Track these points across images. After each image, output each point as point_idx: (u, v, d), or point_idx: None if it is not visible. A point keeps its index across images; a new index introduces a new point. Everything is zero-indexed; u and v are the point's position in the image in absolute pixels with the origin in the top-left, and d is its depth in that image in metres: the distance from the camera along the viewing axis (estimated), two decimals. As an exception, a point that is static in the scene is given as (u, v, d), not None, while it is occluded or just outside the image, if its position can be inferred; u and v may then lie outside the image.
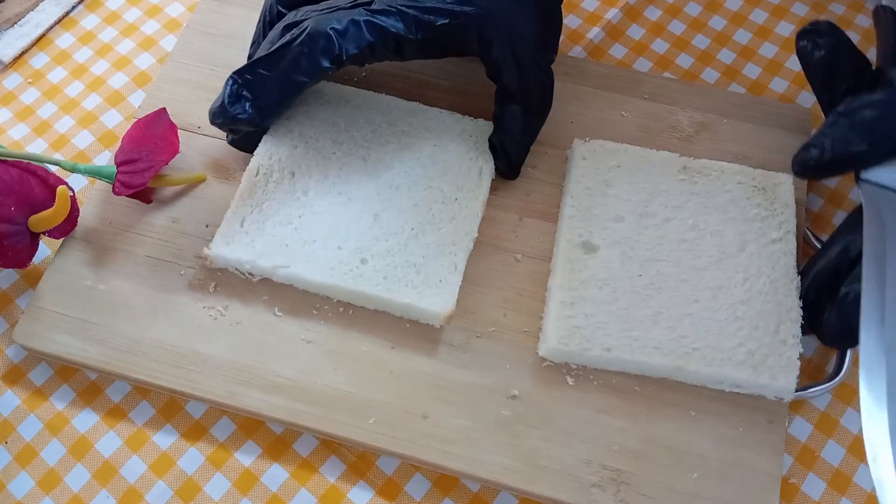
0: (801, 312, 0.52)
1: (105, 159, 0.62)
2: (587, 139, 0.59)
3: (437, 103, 0.60)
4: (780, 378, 0.50)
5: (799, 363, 0.51)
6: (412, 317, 0.53)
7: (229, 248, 0.54)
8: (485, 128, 0.58)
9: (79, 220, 0.56)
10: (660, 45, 0.67)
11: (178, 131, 0.58)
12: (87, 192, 0.59)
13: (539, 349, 0.52)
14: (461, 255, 0.54)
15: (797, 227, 0.56)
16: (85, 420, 0.53)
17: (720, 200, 0.56)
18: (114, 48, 0.67)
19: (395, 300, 0.52)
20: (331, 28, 0.51)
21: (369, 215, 0.55)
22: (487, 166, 0.57)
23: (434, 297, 0.52)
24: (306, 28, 0.52)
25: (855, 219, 0.50)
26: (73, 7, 0.68)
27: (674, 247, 0.54)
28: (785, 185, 0.57)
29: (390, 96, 0.60)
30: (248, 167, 0.57)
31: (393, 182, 0.56)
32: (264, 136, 0.58)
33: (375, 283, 0.53)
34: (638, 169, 0.57)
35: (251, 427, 0.53)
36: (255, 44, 0.57)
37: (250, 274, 0.54)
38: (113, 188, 0.55)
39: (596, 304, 0.52)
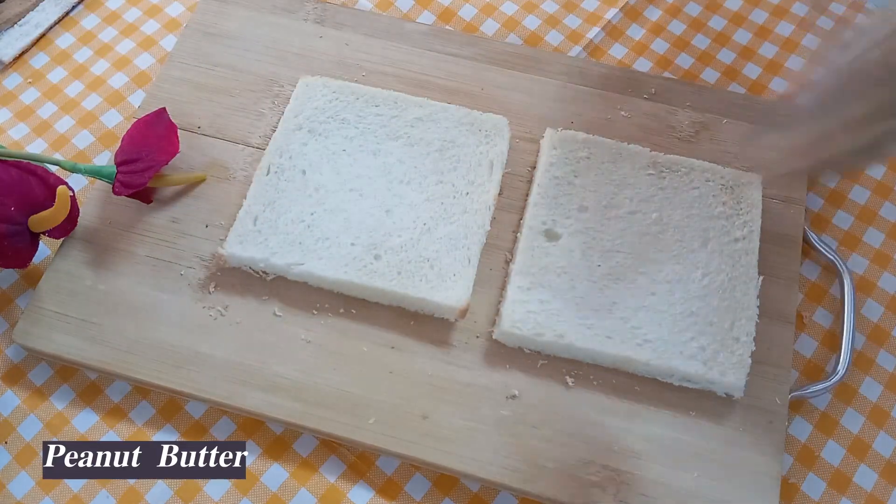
0: (757, 311, 0.53)
1: (105, 159, 0.62)
2: (559, 129, 0.59)
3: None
4: (730, 375, 0.51)
5: (750, 361, 0.51)
6: (427, 311, 0.53)
7: (242, 246, 0.54)
8: (494, 121, 0.59)
9: (79, 220, 0.56)
10: (660, 45, 0.67)
11: (178, 131, 0.58)
12: (87, 192, 0.59)
13: (494, 333, 0.53)
14: (474, 248, 0.54)
15: (798, 226, 0.56)
16: (85, 420, 0.53)
17: (686, 196, 0.56)
18: (114, 48, 0.67)
19: (410, 295, 0.52)
20: None
21: (381, 211, 0.55)
22: (498, 159, 0.57)
23: (449, 291, 0.53)
24: None
25: None
26: (73, 7, 0.68)
27: (635, 239, 0.55)
28: (753, 185, 0.57)
29: (398, 92, 0.60)
30: (259, 165, 0.57)
31: (404, 177, 0.57)
32: (273, 135, 0.58)
33: (390, 278, 0.53)
34: (608, 161, 0.58)
35: (251, 427, 0.53)
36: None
37: (264, 272, 0.54)
38: (113, 188, 0.55)
39: (553, 291, 0.53)
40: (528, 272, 0.54)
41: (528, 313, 0.52)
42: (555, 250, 0.54)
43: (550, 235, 0.55)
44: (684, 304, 0.53)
